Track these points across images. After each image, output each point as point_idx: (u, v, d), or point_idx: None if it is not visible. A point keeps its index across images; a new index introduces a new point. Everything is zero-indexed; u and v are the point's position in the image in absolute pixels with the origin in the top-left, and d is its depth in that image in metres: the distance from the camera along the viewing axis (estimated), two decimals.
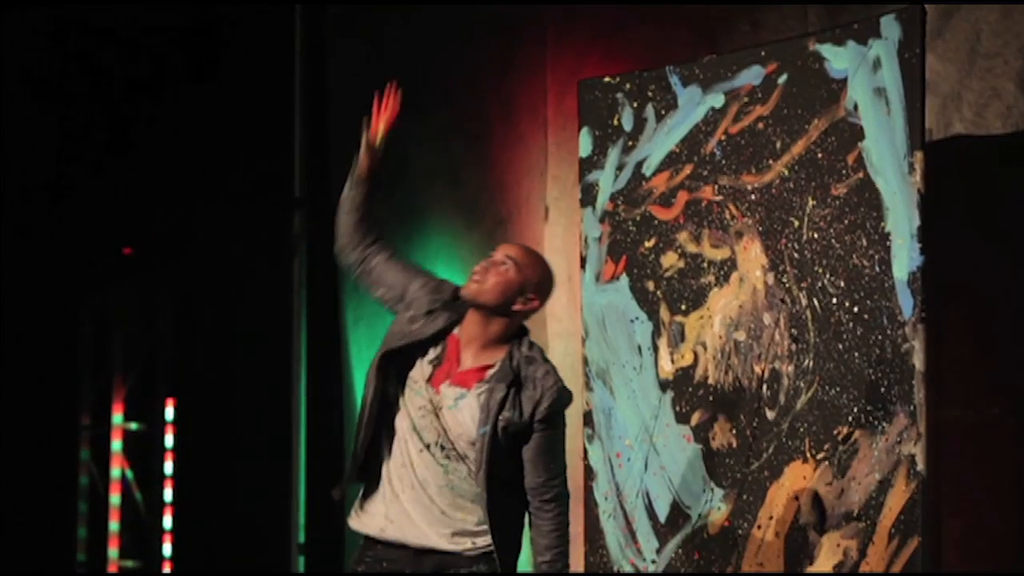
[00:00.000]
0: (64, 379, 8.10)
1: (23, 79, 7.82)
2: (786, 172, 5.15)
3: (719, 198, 5.32)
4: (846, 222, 4.98)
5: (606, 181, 5.63)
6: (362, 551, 4.27)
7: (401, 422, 4.21)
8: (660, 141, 5.49)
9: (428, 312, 4.22)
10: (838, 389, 4.98)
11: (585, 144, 5.71)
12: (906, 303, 4.81)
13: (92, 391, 8.17)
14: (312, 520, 7.43)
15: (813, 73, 5.09)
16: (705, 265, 5.35)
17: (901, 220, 4.84)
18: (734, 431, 5.23)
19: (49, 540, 8.01)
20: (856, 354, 4.94)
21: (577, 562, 5.71)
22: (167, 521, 7.97)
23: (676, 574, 5.34)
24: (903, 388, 4.81)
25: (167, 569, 7.96)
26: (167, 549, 7.97)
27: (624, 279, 5.57)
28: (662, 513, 5.41)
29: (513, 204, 6.63)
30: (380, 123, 4.31)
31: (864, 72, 4.95)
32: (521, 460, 4.16)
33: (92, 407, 8.17)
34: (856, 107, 4.97)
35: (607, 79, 5.67)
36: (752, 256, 5.22)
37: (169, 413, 8.03)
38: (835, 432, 4.97)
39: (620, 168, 5.60)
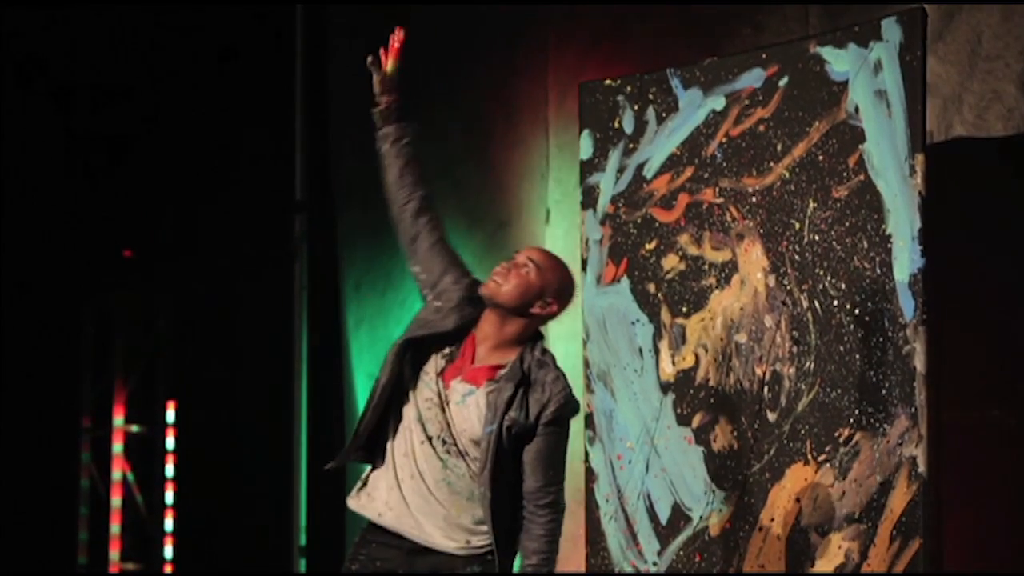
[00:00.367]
0: (65, 381, 8.10)
1: (24, 82, 7.82)
2: (787, 174, 5.15)
3: (720, 200, 5.32)
4: (847, 224, 4.99)
5: (607, 183, 5.64)
6: (356, 548, 4.26)
7: (408, 411, 4.21)
8: (661, 143, 5.50)
9: (454, 307, 4.23)
10: (839, 391, 4.98)
11: (586, 146, 5.71)
12: (907, 305, 4.81)
13: (93, 393, 8.17)
14: (313, 522, 7.43)
15: (814, 76, 5.09)
16: (706, 267, 5.35)
17: (902, 222, 4.84)
18: (735, 433, 5.23)
19: (50, 542, 8.01)
20: (857, 356, 4.94)
21: (579, 564, 5.72)
22: (168, 523, 7.97)
23: (678, 575, 5.35)
24: (904, 390, 4.81)
25: (168, 571, 7.96)
26: (168, 551, 7.97)
27: (625, 281, 5.57)
28: (663, 515, 5.41)
29: (514, 206, 6.64)
30: (388, 56, 4.38)
31: (865, 74, 4.95)
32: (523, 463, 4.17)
33: (93, 409, 8.17)
34: (857, 109, 4.97)
35: (608, 82, 5.67)
36: (753, 258, 5.23)
37: (170, 415, 8.03)
38: (836, 434, 4.97)
39: (621, 170, 5.61)
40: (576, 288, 4.30)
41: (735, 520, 5.21)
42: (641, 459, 5.48)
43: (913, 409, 4.78)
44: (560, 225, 6.38)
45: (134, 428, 8.14)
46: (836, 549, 4.95)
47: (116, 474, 8.10)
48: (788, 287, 5.12)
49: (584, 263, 5.67)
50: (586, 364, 5.65)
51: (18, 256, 7.75)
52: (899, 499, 4.81)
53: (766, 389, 5.16)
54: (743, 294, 5.25)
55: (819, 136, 5.07)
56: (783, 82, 5.17)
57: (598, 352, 5.62)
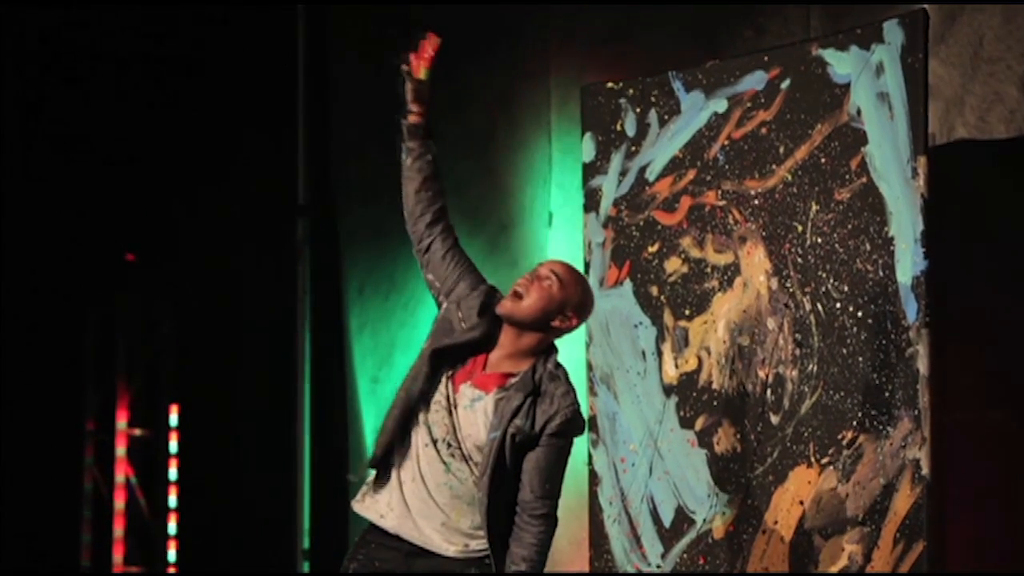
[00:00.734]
0: (68, 385, 8.10)
1: (25, 85, 7.82)
2: (789, 177, 5.15)
3: (722, 203, 5.32)
4: (849, 227, 4.99)
5: (609, 186, 5.64)
6: (356, 548, 4.27)
7: (419, 414, 4.21)
8: (663, 146, 5.50)
9: (478, 316, 4.21)
10: (842, 394, 4.98)
11: (588, 149, 5.71)
12: (910, 307, 4.82)
13: (96, 397, 8.17)
14: (317, 525, 7.43)
15: (816, 78, 5.09)
16: (709, 270, 5.35)
17: (904, 225, 4.84)
18: (738, 436, 5.23)
19: (53, 545, 8.00)
20: (860, 358, 4.94)
21: (582, 567, 5.73)
22: (171, 526, 7.98)
23: None
24: (907, 392, 4.81)
25: (171, 574, 7.96)
26: (171, 554, 7.97)
27: (628, 284, 5.57)
28: (667, 518, 5.41)
29: (517, 210, 6.64)
30: (420, 61, 4.36)
31: (867, 77, 4.95)
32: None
33: (96, 412, 8.16)
34: (859, 112, 4.98)
35: (610, 84, 5.67)
36: (756, 261, 5.23)
37: (173, 419, 8.03)
38: (839, 436, 4.97)
39: (623, 173, 5.61)
40: (595, 301, 4.29)
41: (739, 523, 5.21)
42: (644, 462, 5.48)
43: (916, 411, 4.78)
44: (562, 228, 6.38)
45: (137, 431, 8.14)
46: (840, 552, 4.95)
47: (119, 477, 8.10)
48: (791, 290, 5.12)
49: (587, 266, 5.67)
50: (589, 367, 5.65)
51: (21, 260, 7.75)
52: (903, 501, 4.81)
53: (769, 392, 5.16)
54: (746, 297, 5.25)
55: (821, 138, 5.07)
56: (785, 84, 5.17)
57: (601, 355, 5.62)
